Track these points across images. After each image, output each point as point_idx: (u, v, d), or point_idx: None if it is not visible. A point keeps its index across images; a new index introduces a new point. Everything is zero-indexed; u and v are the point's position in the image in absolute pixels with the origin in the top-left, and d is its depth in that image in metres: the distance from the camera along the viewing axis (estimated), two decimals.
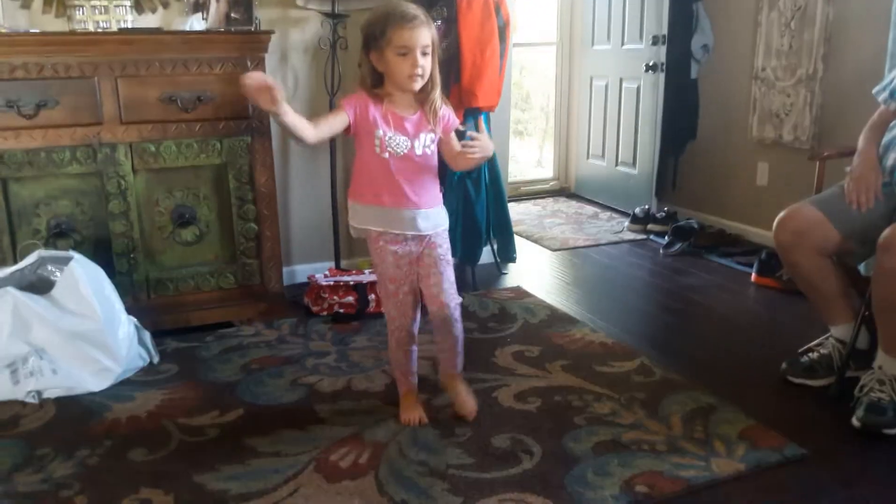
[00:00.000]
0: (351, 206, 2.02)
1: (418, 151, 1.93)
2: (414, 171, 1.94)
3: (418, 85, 1.88)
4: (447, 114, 1.98)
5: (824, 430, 2.07)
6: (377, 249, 2.00)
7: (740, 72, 4.02)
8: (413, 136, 1.92)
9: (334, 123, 1.89)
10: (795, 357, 2.39)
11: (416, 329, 2.09)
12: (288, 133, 1.82)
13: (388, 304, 2.06)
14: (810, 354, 2.37)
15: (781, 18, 3.71)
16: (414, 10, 1.88)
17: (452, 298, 2.03)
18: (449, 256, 2.04)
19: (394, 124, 1.91)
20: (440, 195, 2.04)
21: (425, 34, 1.84)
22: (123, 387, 2.33)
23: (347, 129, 1.91)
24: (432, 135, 1.96)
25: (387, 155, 1.91)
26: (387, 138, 1.90)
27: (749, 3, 3.91)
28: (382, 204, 1.95)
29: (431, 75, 1.90)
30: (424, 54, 1.85)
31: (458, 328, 2.07)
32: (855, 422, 2.03)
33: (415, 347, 2.12)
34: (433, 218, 1.99)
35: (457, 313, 2.04)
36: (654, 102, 4.33)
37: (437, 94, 1.93)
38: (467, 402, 2.13)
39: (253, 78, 1.67)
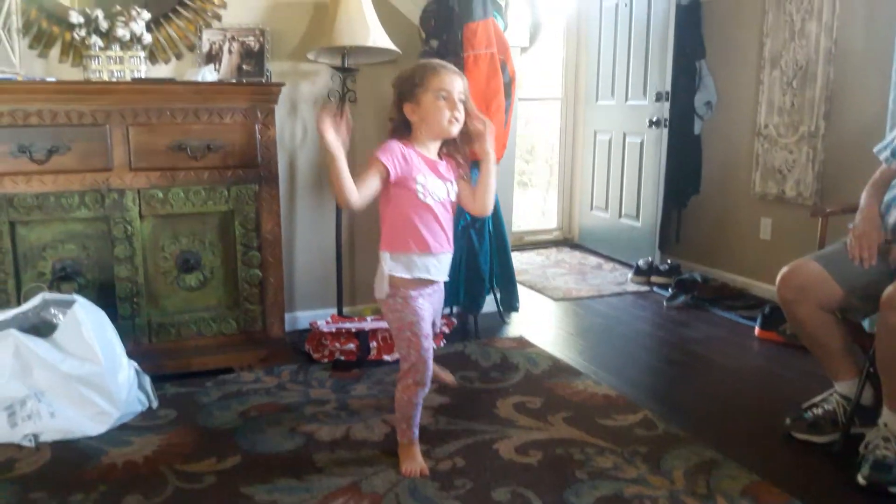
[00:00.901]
0: (393, 257, 1.99)
1: (452, 197, 2.03)
2: (448, 216, 2.03)
3: (456, 129, 1.97)
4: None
5: (829, 487, 2.04)
6: (417, 308, 2.00)
7: (743, 128, 4.08)
8: (446, 181, 2.01)
9: (372, 183, 1.93)
10: (799, 412, 2.36)
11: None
12: (335, 188, 1.86)
13: (416, 358, 2.01)
14: (814, 410, 2.34)
15: (783, 77, 3.78)
16: (442, 61, 2.02)
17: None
18: None
19: (431, 169, 1.98)
20: None
21: (461, 83, 1.96)
22: (121, 431, 2.32)
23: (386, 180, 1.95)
24: (453, 181, 2.05)
25: (430, 201, 1.96)
26: (428, 184, 1.96)
27: (751, 62, 3.99)
28: (429, 251, 1.99)
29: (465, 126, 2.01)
30: (460, 100, 1.95)
31: None
32: (860, 479, 2.00)
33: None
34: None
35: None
36: (658, 157, 4.38)
37: (466, 149, 2.05)
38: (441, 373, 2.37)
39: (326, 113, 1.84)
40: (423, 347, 2.02)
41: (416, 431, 2.12)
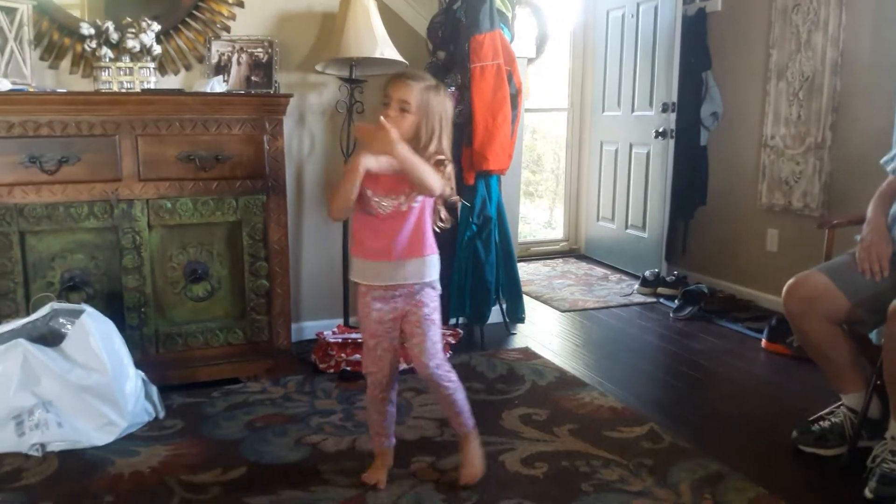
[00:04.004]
0: (351, 260, 2.08)
1: (403, 207, 1.95)
2: (398, 226, 1.96)
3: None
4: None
5: (835, 501, 2.03)
6: (363, 304, 2.04)
7: (749, 139, 4.08)
8: (398, 193, 1.94)
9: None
10: (806, 425, 2.35)
11: (391, 390, 2.08)
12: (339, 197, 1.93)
13: (366, 359, 2.06)
14: (821, 423, 2.33)
15: (789, 88, 3.78)
16: (413, 71, 1.97)
17: (433, 358, 2.01)
18: (435, 316, 2.03)
19: (382, 183, 1.93)
20: (429, 245, 2.02)
21: (405, 90, 1.90)
22: (128, 441, 2.33)
23: None
24: (405, 193, 1.95)
25: (373, 212, 1.96)
26: (374, 199, 1.94)
27: (757, 73, 3.99)
28: (369, 258, 2.00)
29: (422, 138, 1.92)
30: (401, 110, 1.90)
31: (449, 386, 2.04)
32: (867, 493, 1.99)
33: (391, 409, 2.10)
34: (417, 266, 1.99)
35: (440, 371, 2.02)
36: (664, 168, 4.38)
37: (431, 153, 1.93)
38: (469, 468, 2.09)
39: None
40: (368, 346, 2.04)
41: (384, 442, 2.11)
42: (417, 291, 2.01)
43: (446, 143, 1.97)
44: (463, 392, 2.08)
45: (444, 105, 1.96)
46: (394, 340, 2.04)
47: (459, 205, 3.20)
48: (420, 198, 1.96)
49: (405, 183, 1.91)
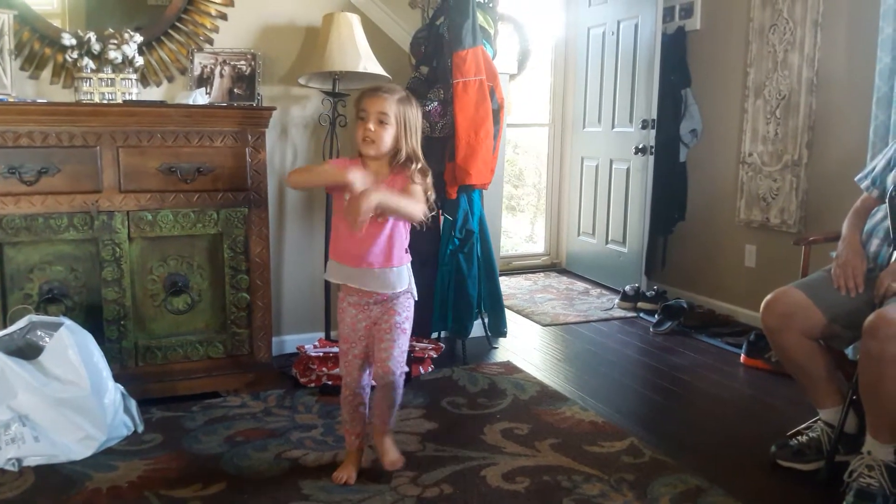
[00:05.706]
0: (329, 262, 2.16)
1: (379, 219, 2.02)
2: (374, 234, 2.03)
3: (369, 149, 2.02)
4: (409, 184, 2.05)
5: None
6: (340, 310, 2.14)
7: (728, 156, 4.13)
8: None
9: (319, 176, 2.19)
10: (784, 440, 2.38)
11: (363, 392, 2.18)
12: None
13: (340, 362, 2.18)
14: (799, 438, 2.36)
15: (767, 106, 3.84)
16: (385, 84, 2.11)
17: (398, 366, 2.09)
18: (407, 326, 2.12)
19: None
20: (399, 256, 2.09)
21: (383, 104, 1.99)
22: (106, 456, 2.30)
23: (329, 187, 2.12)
24: None
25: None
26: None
27: (735, 91, 4.06)
28: (344, 262, 2.09)
29: (402, 148, 2.03)
30: (381, 122, 1.99)
31: (398, 393, 2.14)
32: None
33: (362, 409, 2.19)
34: (390, 277, 2.07)
35: (399, 381, 2.11)
36: (644, 183, 4.42)
37: (415, 168, 2.04)
38: (393, 455, 2.19)
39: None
40: (342, 350, 2.15)
41: (357, 442, 2.20)
42: (391, 299, 2.10)
43: (419, 151, 2.08)
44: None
45: (416, 115, 2.08)
46: (365, 348, 2.13)
47: (442, 219, 3.22)
48: None
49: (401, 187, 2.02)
